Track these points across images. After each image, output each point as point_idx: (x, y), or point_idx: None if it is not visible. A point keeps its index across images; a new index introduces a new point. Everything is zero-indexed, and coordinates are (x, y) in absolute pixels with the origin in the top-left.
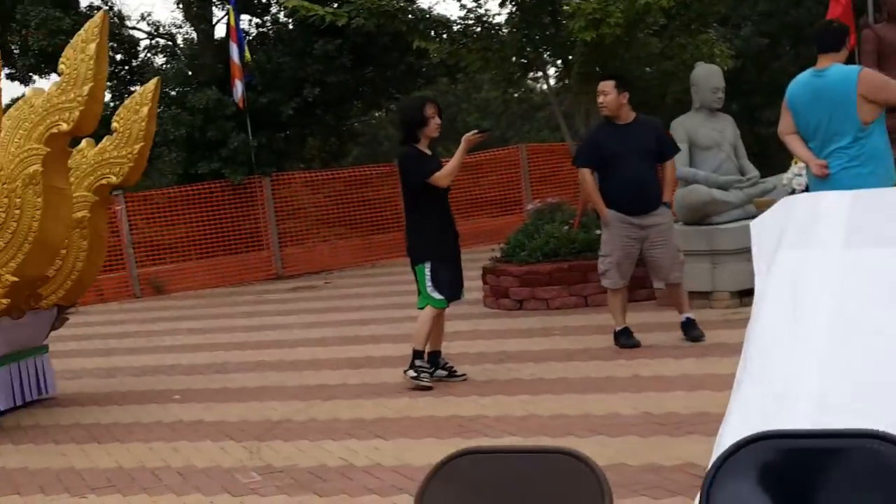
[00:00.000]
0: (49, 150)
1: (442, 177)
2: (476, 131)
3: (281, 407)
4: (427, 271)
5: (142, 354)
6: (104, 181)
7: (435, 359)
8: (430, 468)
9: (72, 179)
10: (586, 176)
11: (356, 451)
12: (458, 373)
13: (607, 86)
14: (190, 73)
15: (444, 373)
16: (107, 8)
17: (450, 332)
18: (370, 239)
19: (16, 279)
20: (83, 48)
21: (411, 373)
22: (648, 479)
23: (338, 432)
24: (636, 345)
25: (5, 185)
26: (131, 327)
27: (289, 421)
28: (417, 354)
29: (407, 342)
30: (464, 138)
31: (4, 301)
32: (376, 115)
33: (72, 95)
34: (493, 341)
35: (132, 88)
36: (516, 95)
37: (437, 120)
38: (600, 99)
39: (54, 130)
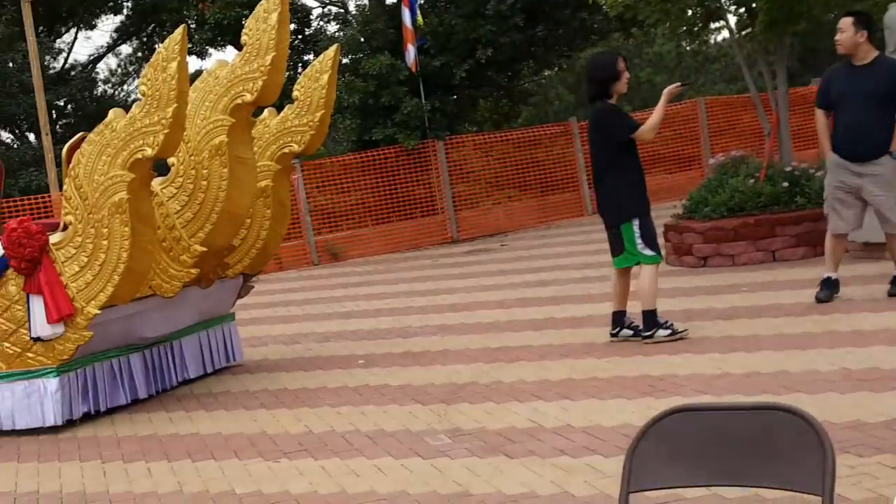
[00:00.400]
0: (234, 120)
1: (647, 130)
2: (678, 84)
3: (465, 370)
4: (636, 228)
5: (323, 320)
6: (286, 150)
7: (620, 318)
8: (620, 429)
9: (255, 149)
10: (819, 117)
11: (544, 413)
12: (645, 332)
13: (845, 23)
14: (362, 39)
15: (630, 332)
16: None
17: (633, 292)
18: (544, 200)
19: (204, 249)
20: (265, 18)
21: (661, 333)
22: (853, 437)
23: (524, 394)
24: (827, 299)
25: (192, 157)
26: (311, 294)
27: (474, 384)
28: (651, 316)
29: (588, 302)
30: (665, 91)
31: (193, 271)
32: (546, 74)
33: (255, 66)
34: (678, 299)
35: (306, 58)
36: (689, 49)
37: (627, 74)
38: (837, 36)
39: (238, 101)
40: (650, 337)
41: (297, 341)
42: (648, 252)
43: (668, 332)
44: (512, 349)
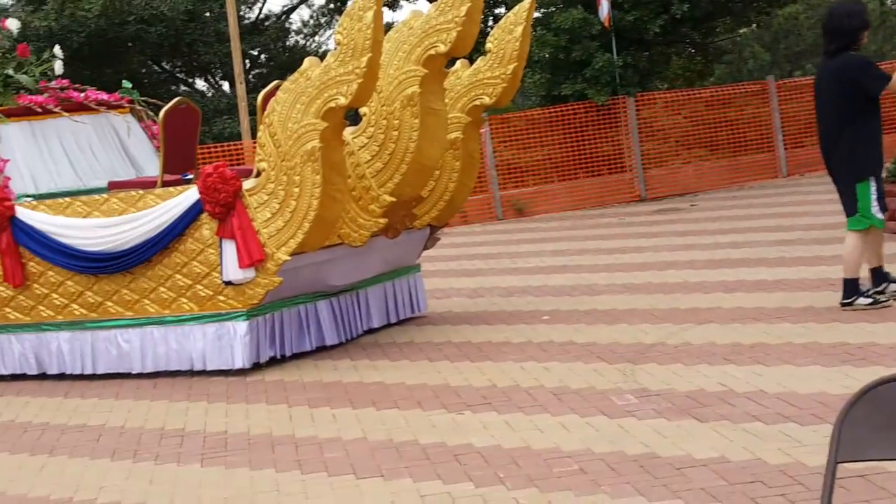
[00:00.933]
0: (427, 71)
1: None
2: None
3: (653, 330)
4: (872, 188)
5: (507, 275)
6: (477, 102)
7: (883, 274)
8: (816, 397)
9: (446, 101)
10: None
11: (735, 377)
12: (845, 299)
13: None
14: None
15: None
16: None
17: (837, 256)
18: (736, 160)
19: (393, 199)
20: None
21: (861, 301)
22: None
23: (714, 357)
24: None
25: (384, 107)
26: (495, 248)
27: (662, 344)
28: (851, 285)
29: (781, 266)
30: None
31: (382, 221)
32: (742, 32)
33: (450, 16)
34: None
35: (497, 11)
36: (894, 6)
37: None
38: None
39: (432, 52)
40: (849, 304)
41: (480, 295)
42: (880, 215)
43: (870, 300)
44: (701, 310)
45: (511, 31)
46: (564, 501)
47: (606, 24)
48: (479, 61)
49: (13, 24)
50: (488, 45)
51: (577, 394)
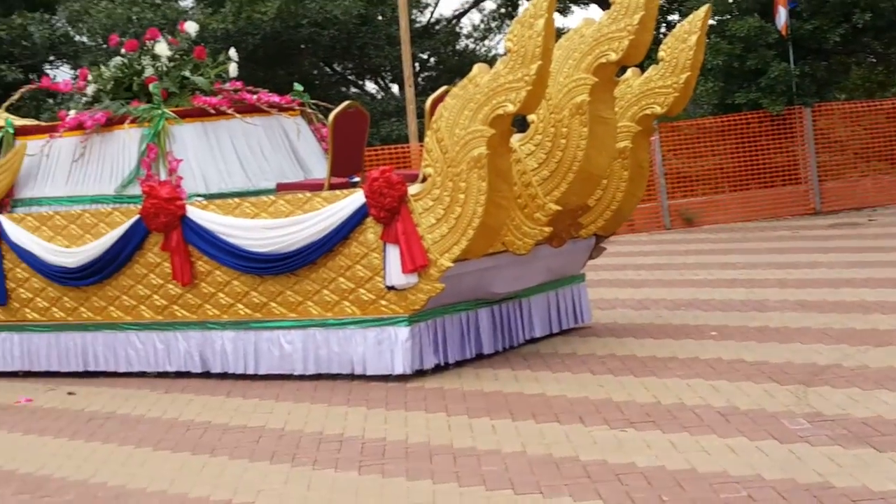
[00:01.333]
0: (597, 79)
1: None
2: None
3: (827, 350)
4: None
5: (675, 287)
6: (648, 111)
7: None
8: None
9: (616, 109)
10: None
11: None
12: None
13: None
14: (731, 0)
15: None
16: None
17: None
18: None
19: (559, 208)
20: None
21: None
22: None
23: (894, 382)
24: None
25: (552, 115)
26: (662, 259)
27: (837, 366)
28: None
29: None
30: None
31: (546, 229)
32: None
33: (622, 25)
34: None
35: (670, 18)
36: None
37: None
38: None
39: (603, 60)
40: None
41: (646, 307)
42: None
43: None
44: (880, 332)
45: (685, 40)
46: None
47: (784, 32)
48: (651, 70)
49: (191, 28)
50: (661, 54)
51: (745, 415)
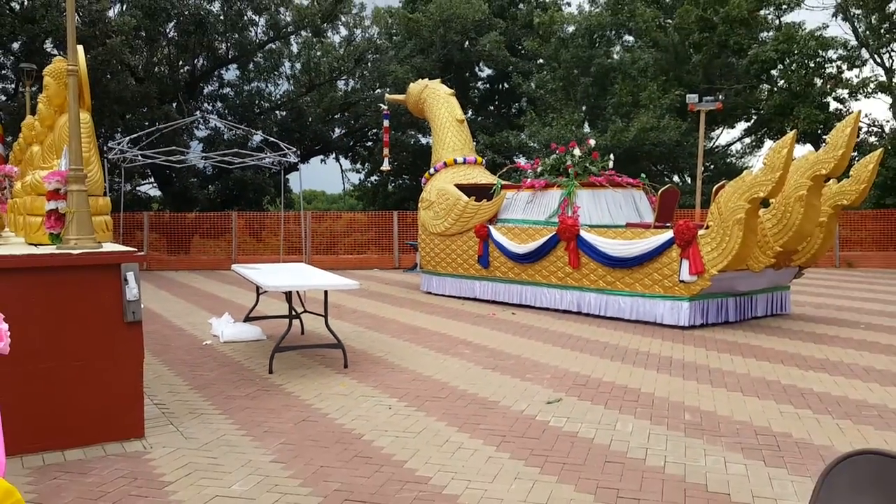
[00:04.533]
0: (811, 183)
1: None
2: None
3: None
4: None
5: (838, 298)
6: (839, 203)
7: None
8: None
9: (822, 199)
10: None
11: None
12: None
13: None
14: None
15: None
16: None
17: None
18: None
19: (780, 249)
20: (843, 128)
21: None
22: None
23: None
24: None
25: (784, 200)
26: (832, 282)
27: None
28: None
29: None
30: None
31: (772, 260)
32: None
33: (830, 155)
34: None
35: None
36: None
37: None
38: None
39: (818, 173)
40: None
41: (821, 307)
42: None
43: None
44: None
45: (867, 165)
46: None
47: None
48: (845, 181)
49: (591, 142)
50: (852, 172)
51: None
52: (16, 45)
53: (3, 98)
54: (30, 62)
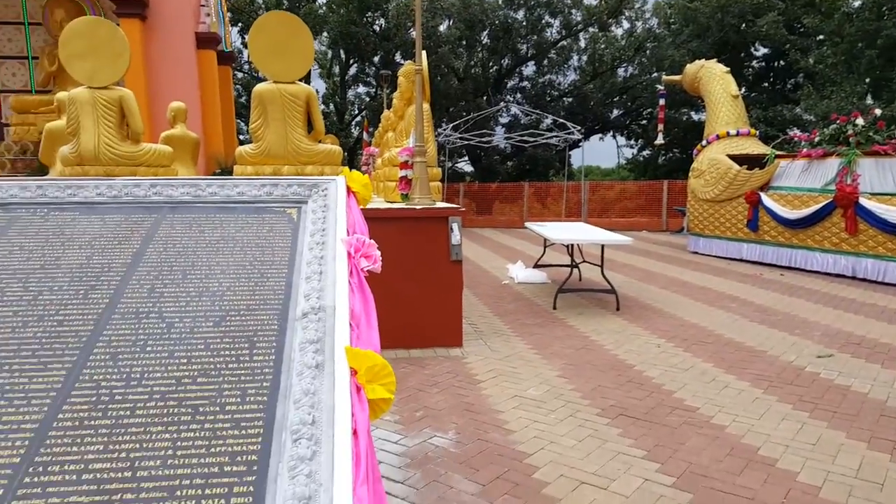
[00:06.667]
0: None
1: None
2: None
3: None
4: None
5: None
6: None
7: None
8: None
9: None
10: None
11: None
12: None
13: None
14: None
15: None
16: None
17: None
18: None
19: None
20: None
21: None
22: None
23: None
24: None
25: None
26: None
27: None
28: None
29: None
30: None
31: None
32: None
33: None
34: None
35: None
36: None
37: None
38: None
39: None
40: None
41: None
42: None
43: None
44: None
45: None
46: None
47: None
48: None
49: (877, 111)
50: None
51: None
52: (376, 59)
53: (368, 99)
54: (385, 70)
